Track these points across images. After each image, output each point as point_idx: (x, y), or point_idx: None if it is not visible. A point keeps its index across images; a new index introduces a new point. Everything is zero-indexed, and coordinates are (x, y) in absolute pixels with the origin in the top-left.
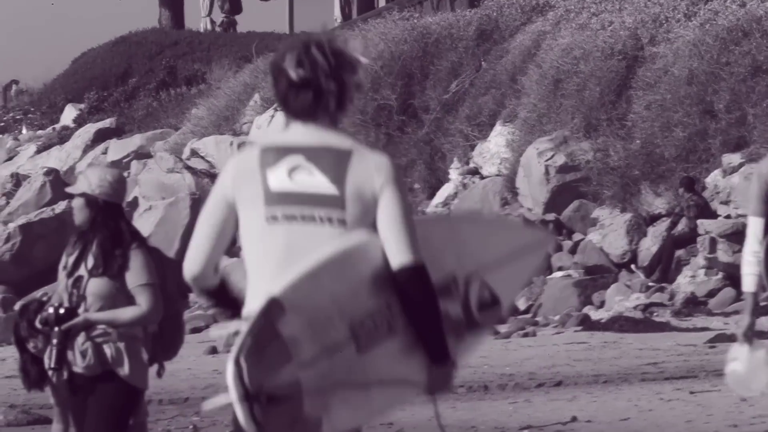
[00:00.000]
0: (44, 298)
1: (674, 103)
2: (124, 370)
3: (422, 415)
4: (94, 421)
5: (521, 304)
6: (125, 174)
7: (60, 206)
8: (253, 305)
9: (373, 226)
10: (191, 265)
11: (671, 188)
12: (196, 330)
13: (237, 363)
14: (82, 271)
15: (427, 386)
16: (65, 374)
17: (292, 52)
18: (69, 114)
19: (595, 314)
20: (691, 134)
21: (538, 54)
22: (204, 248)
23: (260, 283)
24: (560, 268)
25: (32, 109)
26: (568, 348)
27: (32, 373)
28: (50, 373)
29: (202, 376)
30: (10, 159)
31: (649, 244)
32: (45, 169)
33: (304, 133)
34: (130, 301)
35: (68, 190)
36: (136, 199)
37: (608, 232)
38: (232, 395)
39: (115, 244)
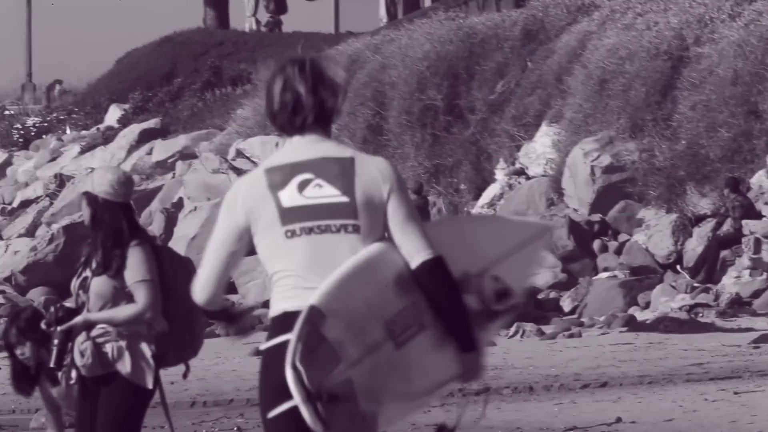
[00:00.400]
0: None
1: (719, 103)
2: (126, 368)
3: (467, 416)
4: (104, 423)
5: (567, 305)
6: (170, 175)
7: None
8: (283, 306)
9: (383, 229)
10: (203, 293)
11: (716, 189)
12: (240, 332)
13: (294, 367)
14: (88, 271)
15: (461, 375)
16: (74, 375)
17: (278, 77)
18: (113, 114)
19: (641, 315)
20: (736, 135)
21: (584, 54)
22: (215, 276)
23: (289, 288)
24: (606, 269)
25: (76, 110)
26: (613, 349)
27: (21, 379)
28: (58, 374)
29: (246, 378)
30: (53, 159)
31: (695, 245)
32: (89, 170)
33: (302, 149)
34: (131, 299)
35: (77, 189)
36: (181, 200)
37: (654, 232)
38: (295, 398)
39: (114, 243)
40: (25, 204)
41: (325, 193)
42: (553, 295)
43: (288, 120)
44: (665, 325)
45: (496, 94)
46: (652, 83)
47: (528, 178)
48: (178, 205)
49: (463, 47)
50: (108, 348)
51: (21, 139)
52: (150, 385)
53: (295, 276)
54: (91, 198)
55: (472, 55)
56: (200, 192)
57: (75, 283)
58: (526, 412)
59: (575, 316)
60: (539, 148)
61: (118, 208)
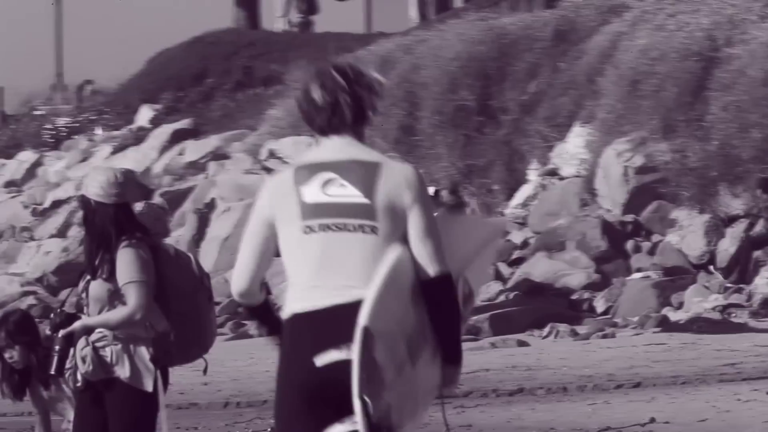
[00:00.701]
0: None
1: (751, 104)
2: (125, 372)
3: (501, 417)
4: (115, 429)
5: (600, 306)
6: (203, 175)
7: (136, 207)
8: (292, 308)
9: (401, 235)
10: (238, 282)
11: (749, 189)
12: None
13: (362, 398)
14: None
15: (441, 385)
16: (80, 380)
17: (316, 78)
18: (144, 114)
19: (674, 315)
20: None
21: (615, 55)
22: (250, 266)
23: (299, 289)
24: (639, 270)
25: (107, 110)
26: (646, 349)
27: (11, 383)
28: (60, 379)
29: None
30: (84, 160)
31: (727, 246)
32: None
33: (333, 150)
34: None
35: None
36: (213, 200)
37: (687, 233)
38: (360, 429)
39: (100, 246)
40: (57, 204)
41: (347, 192)
42: (586, 295)
43: (326, 121)
44: (698, 325)
45: (528, 95)
46: (683, 84)
47: (561, 178)
48: (211, 205)
49: (495, 48)
50: (107, 352)
51: (51, 140)
52: (149, 388)
53: (307, 275)
54: (84, 201)
55: (504, 55)
56: (232, 192)
57: (80, 287)
58: (560, 412)
59: (609, 316)
60: (572, 149)
61: (111, 209)
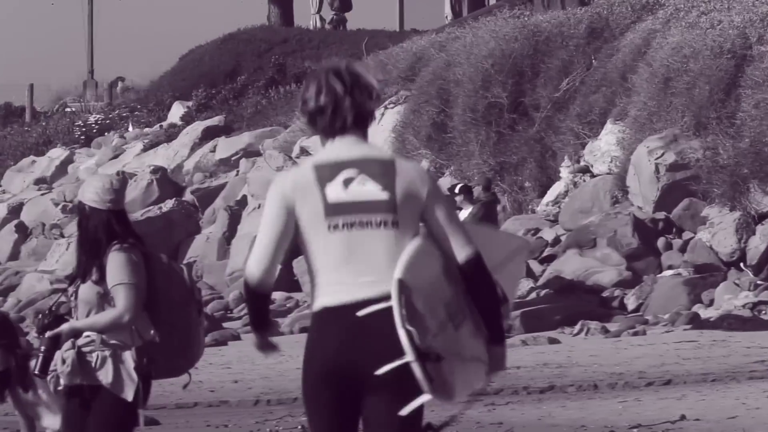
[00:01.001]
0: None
1: None
2: (107, 378)
3: (531, 414)
4: None
5: (631, 303)
6: (234, 172)
7: (167, 204)
8: (322, 302)
9: (417, 227)
10: (254, 267)
11: None
12: (306, 330)
13: (405, 328)
14: (79, 279)
15: (489, 366)
16: (62, 382)
17: (314, 81)
18: (176, 111)
19: (705, 313)
20: None
21: (648, 52)
22: (267, 252)
23: (327, 284)
24: (670, 267)
25: (138, 107)
26: (677, 346)
27: None
28: (47, 379)
29: None
30: (115, 157)
31: (758, 243)
32: (152, 167)
33: (346, 148)
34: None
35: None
36: (244, 197)
37: (717, 230)
38: (408, 356)
39: (91, 251)
40: None
41: (368, 189)
42: (617, 293)
43: (328, 122)
44: (729, 322)
45: (561, 92)
46: (715, 81)
47: (593, 175)
48: (242, 202)
49: (528, 45)
50: (92, 357)
51: (83, 137)
52: (130, 398)
53: (335, 271)
54: (79, 206)
55: (537, 52)
56: (264, 190)
57: (70, 291)
58: (591, 410)
59: (639, 313)
60: (604, 146)
61: (104, 215)
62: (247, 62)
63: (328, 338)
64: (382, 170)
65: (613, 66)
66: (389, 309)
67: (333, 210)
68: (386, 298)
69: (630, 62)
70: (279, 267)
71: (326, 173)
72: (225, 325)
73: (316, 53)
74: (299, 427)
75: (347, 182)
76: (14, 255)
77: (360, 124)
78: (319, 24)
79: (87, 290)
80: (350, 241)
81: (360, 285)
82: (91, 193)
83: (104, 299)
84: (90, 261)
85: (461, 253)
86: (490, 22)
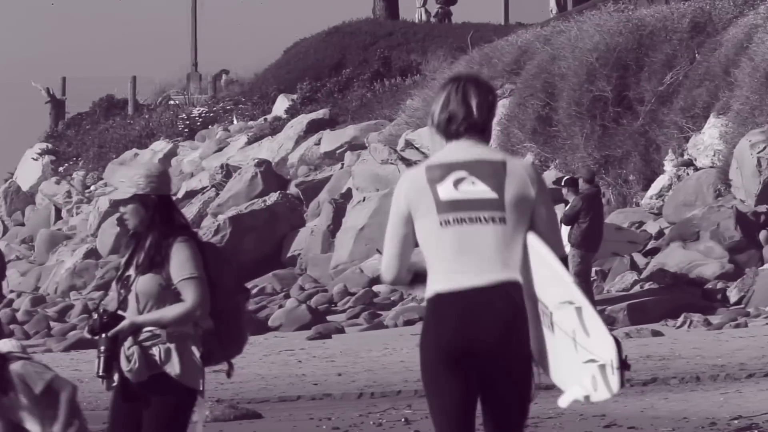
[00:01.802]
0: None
1: None
2: (175, 369)
3: (634, 406)
4: (150, 426)
5: (733, 296)
6: (339, 165)
7: (272, 198)
8: (435, 288)
9: (528, 222)
10: (388, 273)
11: None
12: (410, 323)
13: (615, 338)
14: (131, 271)
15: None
16: (116, 380)
17: (452, 87)
18: (281, 104)
19: None
20: None
21: (750, 47)
22: (396, 258)
23: (439, 273)
24: None
25: (243, 100)
26: None
27: None
28: (101, 381)
29: (414, 369)
30: (219, 150)
31: None
32: (256, 161)
33: (462, 151)
34: (177, 297)
35: (112, 197)
36: (349, 190)
37: None
38: (615, 364)
39: (154, 240)
40: (191, 195)
41: (478, 189)
42: (719, 285)
43: (462, 127)
44: None
45: (665, 86)
46: None
47: (696, 169)
48: (347, 195)
49: (632, 39)
50: (155, 351)
51: (186, 130)
52: (201, 386)
53: (447, 261)
54: (134, 197)
55: (641, 46)
56: (369, 183)
57: (116, 286)
58: (693, 401)
59: (741, 306)
60: (707, 140)
61: (156, 202)
62: (352, 55)
63: (443, 322)
64: (492, 172)
65: (716, 60)
66: (498, 291)
67: (444, 207)
68: (493, 285)
69: (732, 56)
70: (408, 263)
71: (437, 174)
72: (329, 318)
73: (421, 46)
74: (403, 420)
75: (457, 182)
76: (116, 248)
77: (478, 130)
78: (424, 17)
79: (148, 282)
80: (461, 235)
81: (470, 273)
82: (137, 181)
83: (166, 292)
84: (153, 250)
85: (557, 251)
86: (595, 16)
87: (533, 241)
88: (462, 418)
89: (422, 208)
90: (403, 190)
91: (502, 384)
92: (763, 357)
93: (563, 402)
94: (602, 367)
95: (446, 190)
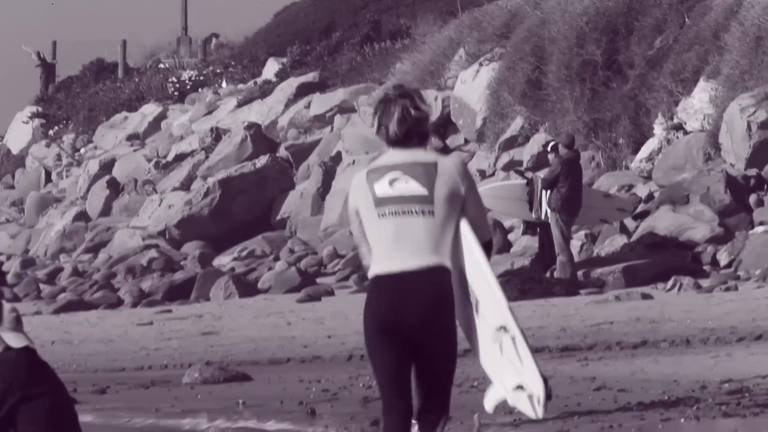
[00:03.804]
0: None
1: None
2: None
3: (624, 369)
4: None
5: (723, 259)
6: (329, 128)
7: (261, 161)
8: (375, 271)
9: (458, 215)
10: (365, 258)
11: None
12: None
13: (543, 377)
14: None
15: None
16: None
17: (388, 104)
18: (271, 68)
19: None
20: None
21: (740, 11)
22: (363, 245)
23: (379, 258)
24: (762, 223)
25: (233, 63)
26: None
27: None
28: None
29: None
30: (209, 113)
31: None
32: (246, 124)
33: (399, 155)
34: None
35: None
36: (339, 153)
37: None
38: (542, 400)
39: None
40: (180, 158)
41: (410, 186)
42: (709, 249)
43: (400, 137)
44: None
45: (655, 50)
46: None
47: (686, 133)
48: (336, 158)
49: (622, 3)
50: None
51: (176, 93)
52: None
53: (385, 247)
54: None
55: (631, 10)
56: (358, 146)
57: None
58: (683, 364)
59: (731, 269)
60: (697, 104)
61: None
62: (342, 19)
63: (380, 300)
64: (424, 171)
65: (706, 24)
66: (427, 275)
67: (380, 202)
68: (423, 269)
69: (722, 21)
70: None
71: (375, 176)
72: (318, 280)
73: (411, 10)
74: None
75: (392, 182)
76: (106, 211)
77: (423, 139)
78: None
79: None
80: (396, 226)
81: (403, 258)
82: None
83: None
84: None
85: (482, 237)
86: None
87: (465, 230)
88: (398, 380)
89: (364, 204)
90: (351, 191)
91: (430, 354)
92: (754, 320)
93: (489, 406)
94: (530, 396)
95: (382, 188)
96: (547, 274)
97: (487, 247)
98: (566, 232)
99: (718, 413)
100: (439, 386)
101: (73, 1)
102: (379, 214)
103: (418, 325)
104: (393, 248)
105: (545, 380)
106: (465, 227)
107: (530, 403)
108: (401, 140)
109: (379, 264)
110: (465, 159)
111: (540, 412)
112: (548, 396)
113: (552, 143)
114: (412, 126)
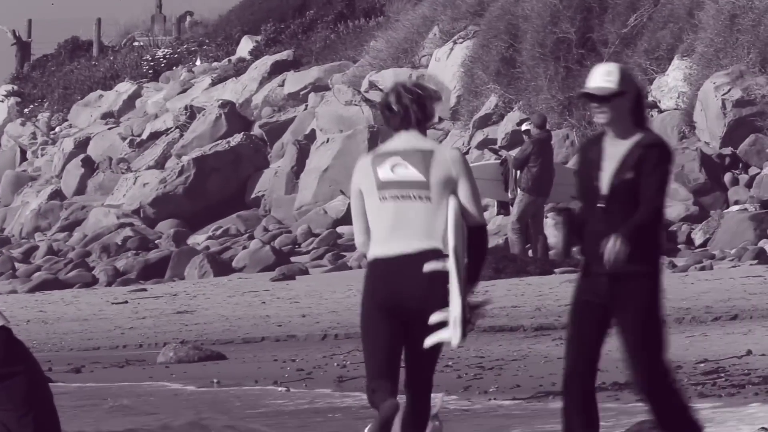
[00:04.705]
0: None
1: None
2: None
3: None
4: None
5: (698, 238)
6: (303, 107)
7: (235, 139)
8: (374, 253)
9: (449, 198)
10: (359, 241)
11: None
12: None
13: (464, 301)
14: None
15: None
16: None
17: (392, 93)
18: (245, 46)
19: None
20: None
21: None
22: (362, 228)
23: (378, 240)
24: (737, 202)
25: (207, 41)
26: (744, 281)
27: None
28: None
29: None
30: (183, 91)
31: None
32: (220, 102)
33: (401, 141)
34: None
35: None
36: (313, 131)
37: None
38: (458, 322)
39: None
40: (155, 136)
41: (409, 172)
42: (684, 227)
43: (399, 123)
44: None
45: (629, 28)
46: None
47: (660, 111)
48: (311, 137)
49: None
50: None
51: (150, 71)
52: None
53: (384, 230)
54: None
55: None
56: (333, 124)
57: None
58: None
59: (706, 248)
60: (671, 82)
61: None
62: None
63: (378, 282)
64: (422, 158)
65: (680, 2)
66: (422, 258)
67: (382, 186)
68: (418, 253)
69: None
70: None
71: (379, 160)
72: (293, 259)
73: None
74: None
75: (394, 166)
76: (80, 189)
77: (422, 123)
78: None
79: None
80: (396, 210)
81: (401, 242)
82: None
83: None
84: None
85: (474, 220)
86: None
87: (451, 207)
88: (387, 358)
89: (367, 187)
90: (356, 173)
91: (421, 333)
92: (729, 300)
93: (428, 342)
94: (454, 320)
95: (384, 172)
96: (530, 253)
97: (479, 232)
98: (528, 213)
99: (693, 394)
100: (425, 364)
101: None
102: (380, 197)
103: (412, 305)
104: (392, 232)
105: (468, 304)
106: (451, 209)
107: (453, 330)
108: (401, 122)
109: (378, 247)
110: (439, 137)
111: (457, 335)
112: (465, 321)
113: (525, 124)
114: (412, 106)
